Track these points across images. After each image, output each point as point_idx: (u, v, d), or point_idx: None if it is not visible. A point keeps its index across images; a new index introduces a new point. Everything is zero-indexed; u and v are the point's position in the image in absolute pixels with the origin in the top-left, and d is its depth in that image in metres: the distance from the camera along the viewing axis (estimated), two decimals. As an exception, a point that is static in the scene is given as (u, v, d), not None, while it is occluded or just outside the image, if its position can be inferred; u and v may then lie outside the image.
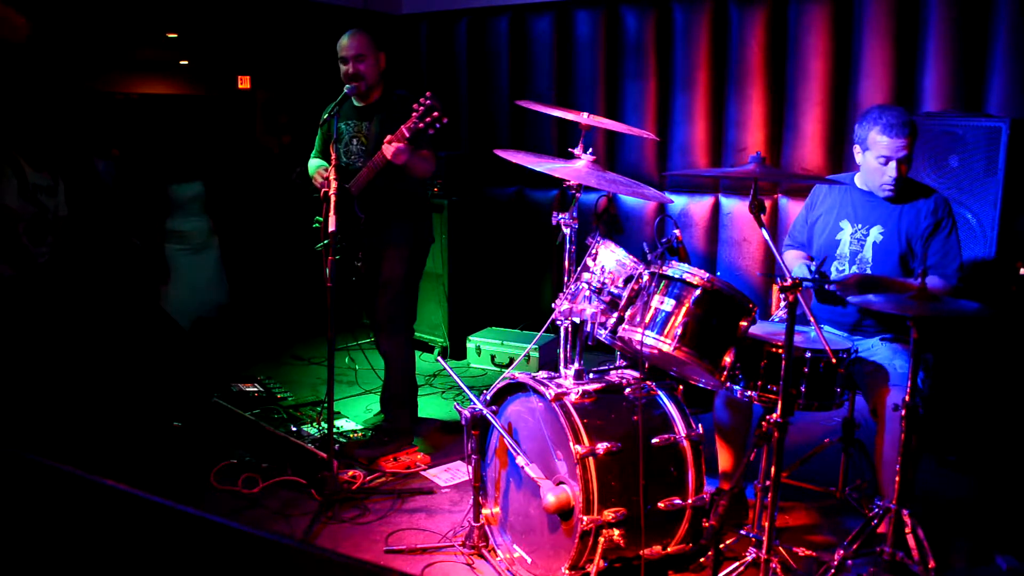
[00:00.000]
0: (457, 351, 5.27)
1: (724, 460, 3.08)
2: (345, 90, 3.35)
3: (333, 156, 3.16)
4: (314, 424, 3.76)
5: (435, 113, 3.20)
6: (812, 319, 2.38)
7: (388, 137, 3.29)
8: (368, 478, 3.42)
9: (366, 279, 3.70)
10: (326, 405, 3.27)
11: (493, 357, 5.09)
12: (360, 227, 3.54)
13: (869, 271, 2.97)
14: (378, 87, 3.63)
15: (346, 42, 3.56)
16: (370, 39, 3.59)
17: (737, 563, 2.56)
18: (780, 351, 2.42)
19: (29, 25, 3.81)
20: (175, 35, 6.16)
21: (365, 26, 3.66)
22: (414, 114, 3.22)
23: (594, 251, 2.75)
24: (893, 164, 2.87)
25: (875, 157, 2.89)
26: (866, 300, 2.50)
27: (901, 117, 2.85)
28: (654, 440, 2.60)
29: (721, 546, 2.58)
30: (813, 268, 2.96)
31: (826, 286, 2.97)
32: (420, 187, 3.76)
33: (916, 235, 2.91)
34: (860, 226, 3.01)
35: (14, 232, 3.84)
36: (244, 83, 6.21)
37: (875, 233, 2.97)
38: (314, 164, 3.81)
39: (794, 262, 3.16)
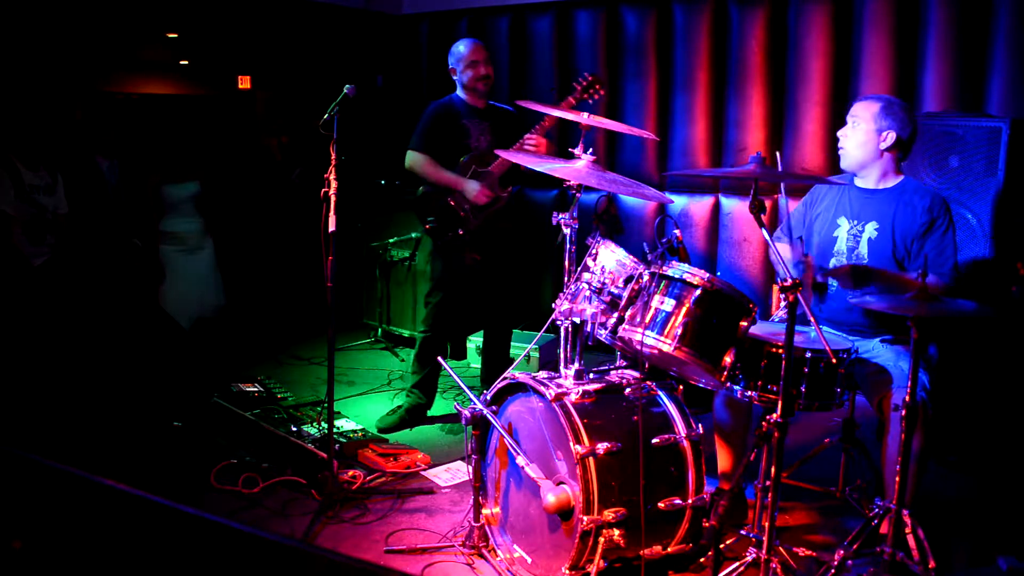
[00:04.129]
0: (457, 351, 5.26)
1: (724, 460, 3.07)
2: (345, 90, 3.32)
3: (333, 156, 3.15)
4: (314, 424, 3.76)
5: (596, 85, 3.70)
6: (812, 319, 2.38)
7: (558, 105, 3.52)
8: (368, 478, 3.42)
9: (482, 272, 4.03)
10: (326, 405, 3.27)
11: (493, 357, 5.08)
12: (502, 207, 3.92)
13: None
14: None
15: (474, 48, 3.93)
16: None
17: (737, 563, 2.56)
18: (780, 351, 2.42)
19: None
20: (175, 35, 6.16)
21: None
22: (578, 87, 3.70)
23: (594, 251, 2.75)
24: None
25: None
26: (864, 301, 2.50)
27: (866, 97, 3.10)
28: (654, 440, 2.60)
29: (721, 546, 2.57)
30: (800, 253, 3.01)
31: (818, 276, 3.00)
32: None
33: (910, 232, 2.91)
34: (856, 222, 3.01)
35: (10, 235, 3.83)
36: (244, 83, 6.22)
37: (870, 229, 2.97)
38: (429, 161, 3.95)
39: (787, 253, 3.19)
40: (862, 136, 2.97)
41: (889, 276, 2.84)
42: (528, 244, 5.40)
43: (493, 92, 4.08)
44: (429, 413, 4.23)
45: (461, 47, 3.95)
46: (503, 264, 4.09)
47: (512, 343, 5.03)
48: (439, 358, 3.19)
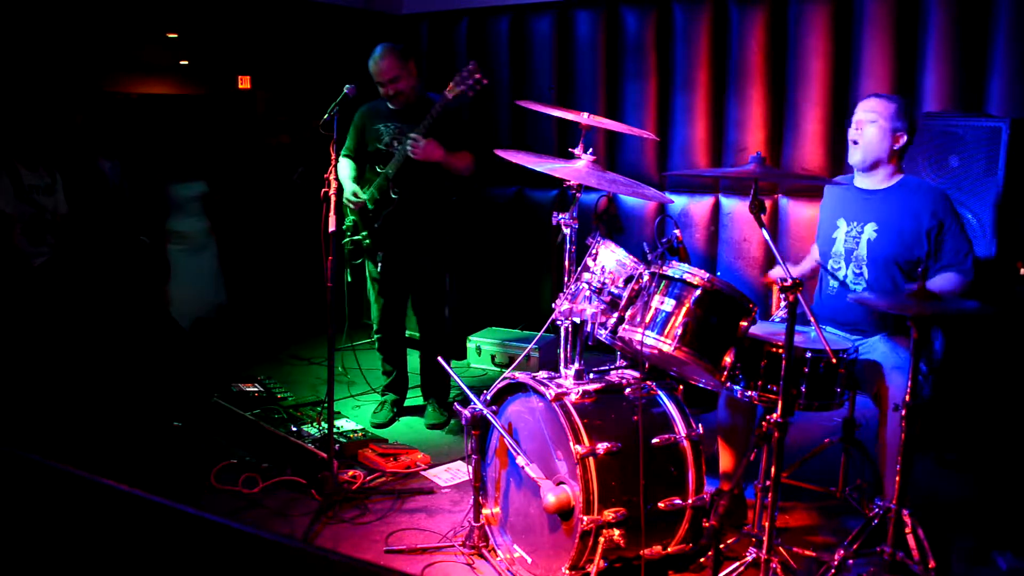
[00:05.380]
0: (457, 351, 5.26)
1: (726, 461, 3.07)
2: (345, 90, 3.33)
3: (333, 156, 3.15)
4: (314, 424, 3.76)
5: (477, 75, 3.63)
6: (812, 319, 2.38)
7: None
8: (368, 478, 3.42)
9: (397, 274, 3.97)
10: (326, 405, 3.27)
11: (493, 357, 5.09)
12: (399, 209, 3.82)
13: (865, 268, 2.96)
14: (414, 93, 3.81)
15: (377, 67, 3.70)
16: (397, 56, 3.73)
17: (737, 563, 2.56)
18: (780, 351, 2.42)
19: None
20: (175, 35, 6.16)
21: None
22: (457, 77, 3.61)
23: (594, 251, 2.75)
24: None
25: None
26: (862, 297, 2.50)
27: (879, 94, 3.05)
28: (654, 440, 2.60)
29: (721, 546, 2.57)
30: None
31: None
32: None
33: (911, 233, 2.90)
34: (855, 223, 3.00)
35: (10, 235, 3.84)
36: (244, 83, 6.21)
37: (869, 230, 2.97)
38: (347, 171, 3.90)
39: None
40: (878, 134, 2.93)
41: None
42: (465, 248, 5.30)
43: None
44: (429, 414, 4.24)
45: (370, 62, 3.75)
46: (414, 265, 3.97)
47: (512, 343, 5.05)
48: (439, 358, 3.19)
